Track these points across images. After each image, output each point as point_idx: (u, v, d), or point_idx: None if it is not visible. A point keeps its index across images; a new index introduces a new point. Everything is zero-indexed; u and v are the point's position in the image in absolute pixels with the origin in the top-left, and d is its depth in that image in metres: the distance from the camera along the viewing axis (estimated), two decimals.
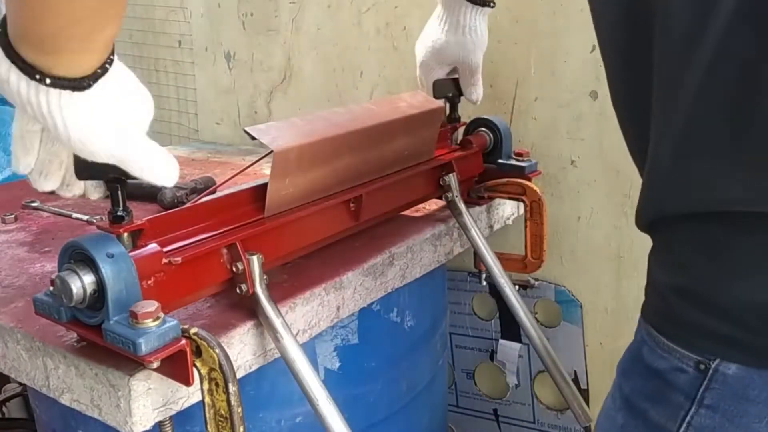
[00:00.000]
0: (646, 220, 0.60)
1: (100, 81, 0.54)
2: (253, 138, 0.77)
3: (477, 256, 1.06)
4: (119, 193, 0.63)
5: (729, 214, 0.52)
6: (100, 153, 0.56)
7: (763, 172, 0.50)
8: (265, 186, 0.76)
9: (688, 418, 0.55)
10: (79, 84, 0.53)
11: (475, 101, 1.10)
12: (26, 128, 0.59)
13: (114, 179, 0.62)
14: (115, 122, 0.56)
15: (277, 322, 0.71)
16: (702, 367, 0.54)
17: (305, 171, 0.79)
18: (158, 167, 0.59)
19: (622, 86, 0.62)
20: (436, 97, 1.07)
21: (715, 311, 0.54)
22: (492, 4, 1.03)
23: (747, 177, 0.50)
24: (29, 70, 0.52)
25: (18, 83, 0.52)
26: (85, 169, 0.60)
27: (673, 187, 0.55)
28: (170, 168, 0.60)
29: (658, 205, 0.57)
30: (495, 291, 1.28)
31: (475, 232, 1.01)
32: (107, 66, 0.55)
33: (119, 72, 0.56)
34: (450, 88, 1.10)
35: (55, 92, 0.52)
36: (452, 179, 1.00)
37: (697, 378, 0.55)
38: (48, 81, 0.52)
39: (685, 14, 0.51)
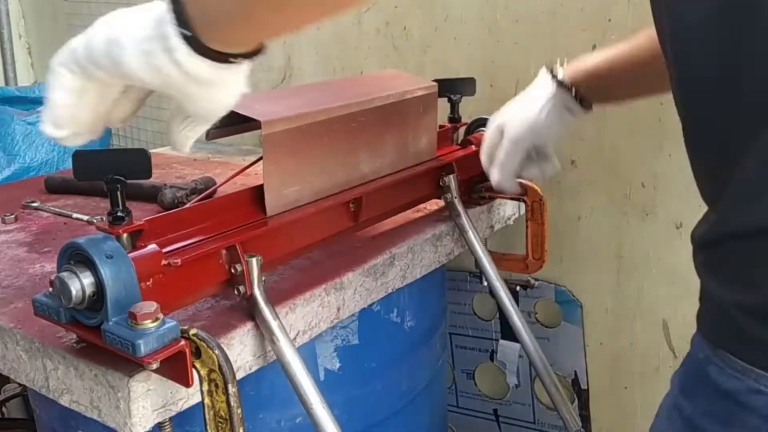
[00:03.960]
0: (711, 237, 0.57)
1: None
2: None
3: (474, 258, 1.06)
4: (119, 193, 0.63)
5: None
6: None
7: None
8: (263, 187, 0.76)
9: None
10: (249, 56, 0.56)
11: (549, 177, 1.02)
12: (73, 93, 0.57)
13: (114, 180, 0.62)
14: None
15: (274, 325, 0.71)
16: None
17: (300, 151, 0.78)
18: None
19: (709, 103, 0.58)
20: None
21: None
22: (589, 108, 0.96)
23: None
24: (211, 53, 0.53)
25: (197, 68, 0.53)
26: (86, 169, 0.60)
27: (758, 203, 0.52)
28: None
29: (736, 220, 0.54)
30: None
31: (472, 234, 1.00)
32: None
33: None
34: (451, 88, 1.09)
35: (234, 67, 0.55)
36: (452, 180, 1.00)
37: None
38: (235, 59, 0.55)
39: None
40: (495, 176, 0.96)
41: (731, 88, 0.53)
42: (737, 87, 0.53)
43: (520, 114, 0.95)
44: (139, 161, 0.63)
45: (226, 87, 0.57)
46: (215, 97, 0.57)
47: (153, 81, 0.54)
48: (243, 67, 0.56)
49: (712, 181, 0.58)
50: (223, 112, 0.59)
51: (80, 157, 0.64)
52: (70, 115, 0.58)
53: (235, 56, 0.54)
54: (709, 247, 0.58)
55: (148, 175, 0.63)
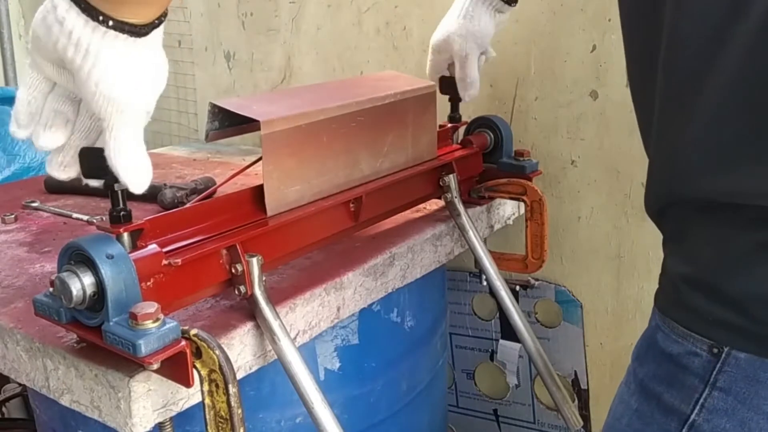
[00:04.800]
0: (658, 205, 0.61)
1: (153, 32, 0.55)
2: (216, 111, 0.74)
3: (475, 257, 1.06)
4: (119, 192, 0.63)
5: (745, 207, 0.53)
6: (135, 103, 0.56)
7: None
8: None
9: (701, 400, 0.57)
10: (139, 31, 0.54)
11: (464, 99, 1.08)
12: (37, 92, 0.58)
13: (115, 178, 0.62)
14: (152, 75, 0.57)
15: (275, 324, 0.71)
16: (715, 351, 0.55)
17: (300, 151, 0.79)
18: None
19: (638, 66, 0.63)
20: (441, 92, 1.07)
21: (724, 301, 0.55)
22: (512, 3, 1.06)
23: None
24: (92, 11, 0.52)
25: (74, 23, 0.53)
26: (93, 166, 0.60)
27: (696, 176, 0.55)
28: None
29: (677, 191, 0.57)
30: None
31: (473, 234, 1.01)
32: (162, 19, 0.56)
33: (161, 30, 0.57)
34: (452, 88, 1.09)
35: (111, 34, 0.53)
36: (452, 180, 1.00)
37: (710, 362, 0.56)
38: (110, 23, 0.53)
39: (713, 13, 0.52)
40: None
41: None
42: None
43: (442, 25, 1.07)
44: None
45: (109, 61, 0.53)
46: (102, 72, 0.53)
47: (48, 42, 0.54)
48: (131, 42, 0.53)
49: (660, 149, 0.61)
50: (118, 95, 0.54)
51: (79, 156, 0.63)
52: (28, 112, 0.59)
53: (122, 24, 0.53)
54: (663, 213, 0.61)
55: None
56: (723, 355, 0.55)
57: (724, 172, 0.53)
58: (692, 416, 0.57)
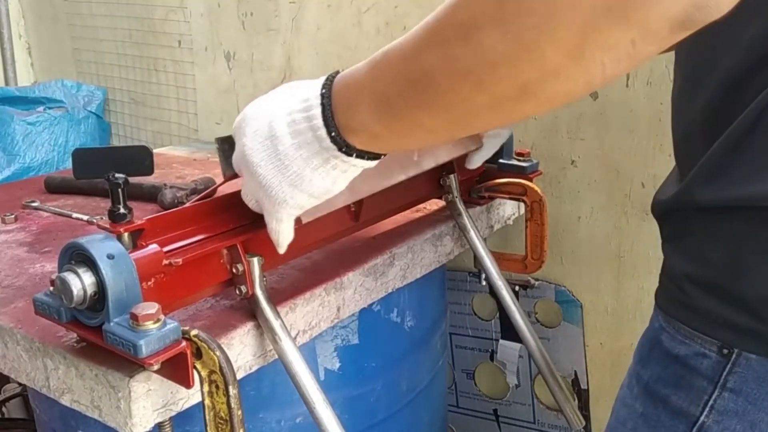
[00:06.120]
0: (666, 208, 0.61)
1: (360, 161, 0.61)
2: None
3: (477, 257, 1.06)
4: (120, 191, 0.63)
5: (758, 208, 0.52)
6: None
7: None
8: None
9: (711, 401, 0.56)
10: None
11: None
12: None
13: (115, 177, 0.62)
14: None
15: (276, 324, 0.71)
16: (725, 351, 0.55)
17: None
18: None
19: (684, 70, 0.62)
20: None
21: (733, 302, 0.54)
22: None
23: None
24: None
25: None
26: (85, 167, 0.60)
27: (713, 182, 0.55)
28: None
29: (692, 195, 0.57)
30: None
31: (474, 234, 1.00)
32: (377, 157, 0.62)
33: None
34: None
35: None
36: (452, 180, 1.00)
37: (720, 362, 0.55)
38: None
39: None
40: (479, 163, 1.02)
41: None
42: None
43: None
44: (141, 157, 0.63)
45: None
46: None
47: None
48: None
49: (685, 148, 0.61)
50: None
51: (80, 154, 0.63)
52: None
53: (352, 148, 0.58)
54: (669, 215, 0.61)
55: (150, 171, 0.63)
56: (733, 356, 0.54)
57: (744, 178, 0.53)
58: (701, 418, 0.56)
